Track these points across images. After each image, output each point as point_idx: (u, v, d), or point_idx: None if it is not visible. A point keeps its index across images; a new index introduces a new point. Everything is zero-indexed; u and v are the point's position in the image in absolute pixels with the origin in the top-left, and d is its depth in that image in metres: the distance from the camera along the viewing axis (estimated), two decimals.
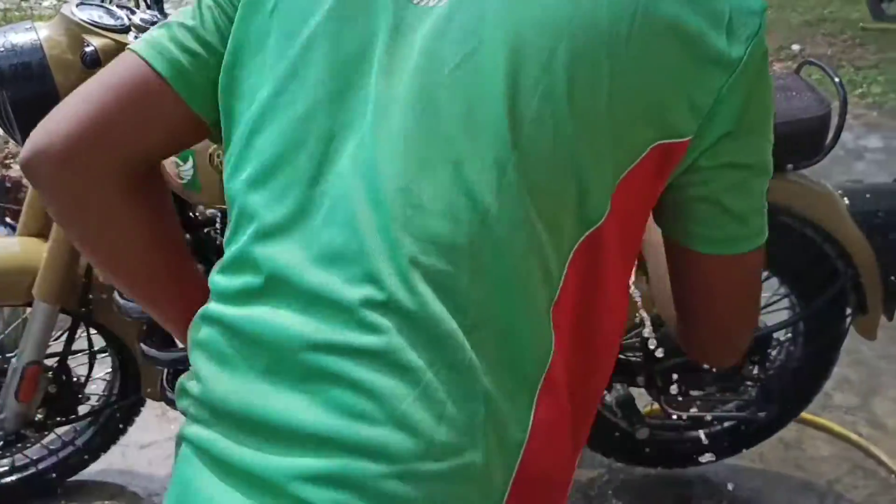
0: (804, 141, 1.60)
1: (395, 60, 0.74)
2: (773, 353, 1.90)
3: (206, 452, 0.74)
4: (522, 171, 0.70)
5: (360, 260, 0.70)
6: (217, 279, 0.80)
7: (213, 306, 0.79)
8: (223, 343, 0.76)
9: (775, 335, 1.83)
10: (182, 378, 0.80)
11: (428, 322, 0.69)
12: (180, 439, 0.78)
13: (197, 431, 0.75)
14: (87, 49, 1.43)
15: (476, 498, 0.69)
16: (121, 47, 1.45)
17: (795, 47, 5.22)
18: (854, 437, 2.19)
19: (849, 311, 1.80)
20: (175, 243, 0.95)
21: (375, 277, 0.70)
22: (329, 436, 0.68)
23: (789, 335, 1.91)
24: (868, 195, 1.76)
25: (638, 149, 0.73)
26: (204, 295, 0.82)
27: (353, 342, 0.69)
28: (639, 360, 1.81)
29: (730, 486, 2.10)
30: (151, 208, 0.89)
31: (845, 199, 1.72)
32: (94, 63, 1.43)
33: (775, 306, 1.82)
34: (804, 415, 2.13)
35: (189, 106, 0.83)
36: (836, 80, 1.64)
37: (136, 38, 1.47)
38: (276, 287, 0.74)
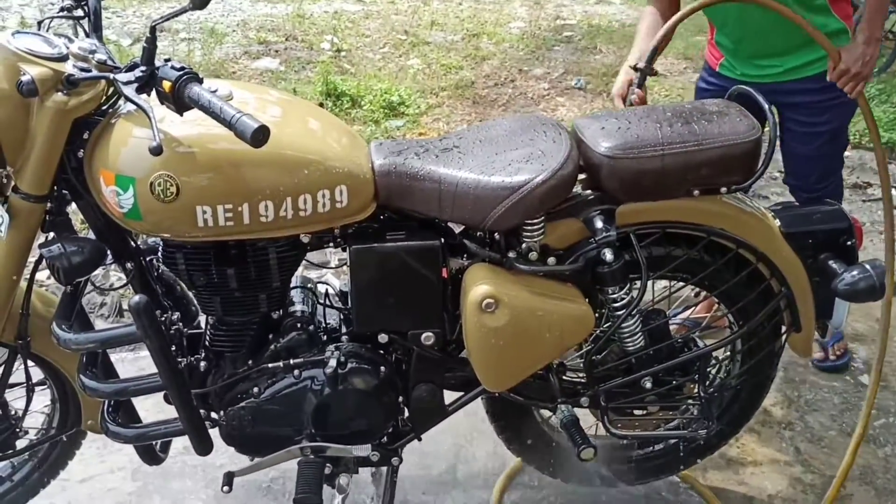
0: (737, 165, 1.65)
1: None
2: (713, 371, 1.95)
3: None
4: None
5: None
6: None
7: None
8: None
9: (714, 353, 1.87)
10: None
11: None
12: None
13: None
14: (24, 78, 1.41)
15: None
16: (58, 76, 1.43)
17: None
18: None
19: (784, 328, 1.86)
20: None
21: None
22: None
23: (728, 353, 1.96)
24: (799, 216, 1.82)
25: None
26: None
27: None
28: (582, 380, 1.84)
29: (674, 502, 2.14)
30: None
31: (777, 220, 1.78)
32: (30, 93, 1.40)
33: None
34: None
35: None
36: (766, 106, 1.70)
37: (74, 66, 1.46)
38: None
